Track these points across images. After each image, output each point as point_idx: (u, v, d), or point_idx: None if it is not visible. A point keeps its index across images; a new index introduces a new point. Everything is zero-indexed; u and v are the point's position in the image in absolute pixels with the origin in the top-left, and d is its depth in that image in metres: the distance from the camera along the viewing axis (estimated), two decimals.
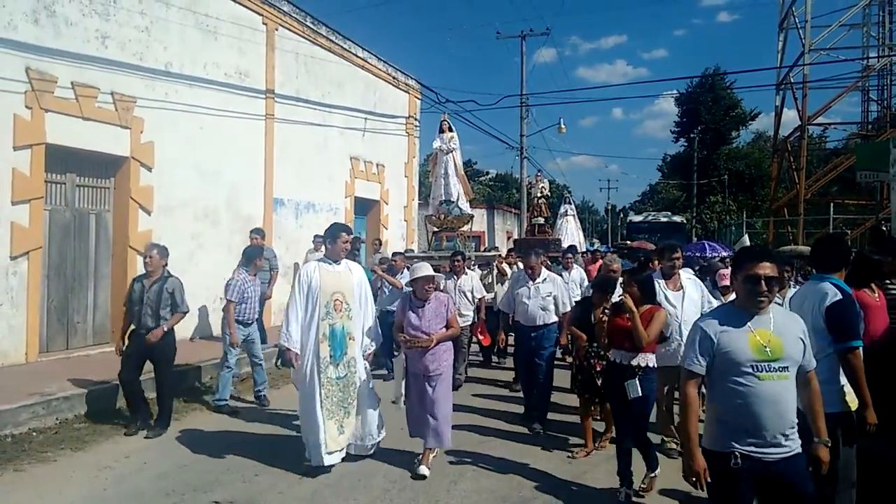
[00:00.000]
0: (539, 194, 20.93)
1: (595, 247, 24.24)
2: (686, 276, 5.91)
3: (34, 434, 6.01)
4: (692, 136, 46.54)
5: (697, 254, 18.24)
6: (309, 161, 13.86)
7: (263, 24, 12.32)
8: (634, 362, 4.79)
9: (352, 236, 5.66)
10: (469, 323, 8.75)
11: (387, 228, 17.40)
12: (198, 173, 10.69)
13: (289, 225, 13.24)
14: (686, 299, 5.72)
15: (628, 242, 24.91)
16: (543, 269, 7.07)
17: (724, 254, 17.64)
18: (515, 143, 26.95)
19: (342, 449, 5.37)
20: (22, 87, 8.01)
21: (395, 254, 10.00)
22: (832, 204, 23.45)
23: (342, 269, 5.48)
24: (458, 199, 12.15)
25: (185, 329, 9.85)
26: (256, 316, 7.72)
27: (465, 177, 12.78)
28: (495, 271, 10.43)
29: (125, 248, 9.40)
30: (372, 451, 5.61)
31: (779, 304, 3.95)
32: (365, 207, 16.88)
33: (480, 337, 9.40)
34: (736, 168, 44.11)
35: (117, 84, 9.17)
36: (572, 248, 16.69)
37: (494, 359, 10.41)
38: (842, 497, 3.62)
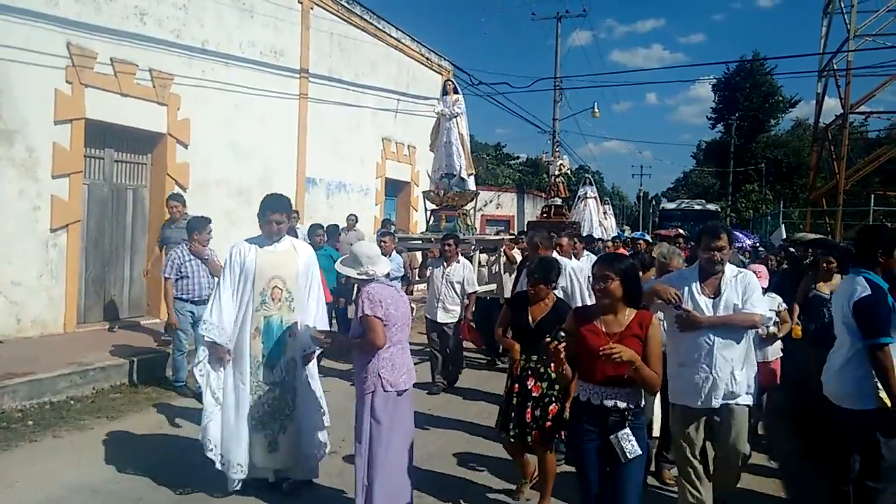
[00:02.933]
0: (557, 172, 19.01)
1: (626, 233, 23.19)
2: (731, 273, 3.88)
3: (72, 402, 6.18)
4: (729, 122, 45.58)
5: None
6: (341, 141, 13.91)
7: (299, 2, 12.34)
8: (622, 403, 3.06)
9: (291, 214, 4.63)
10: (455, 320, 7.46)
11: (416, 210, 17.42)
12: (232, 151, 10.80)
13: (320, 205, 13.33)
14: (723, 306, 3.77)
15: (660, 231, 23.66)
16: (554, 255, 5.63)
17: (748, 242, 16.33)
18: (548, 126, 26.74)
19: (274, 470, 4.43)
20: (63, 63, 8.14)
21: (382, 233, 8.34)
22: (873, 195, 22.82)
23: (284, 249, 4.41)
24: (460, 172, 10.22)
25: None
26: (206, 294, 6.51)
27: (468, 147, 10.78)
28: (503, 258, 9.15)
29: (161, 223, 9.53)
30: (314, 476, 4.54)
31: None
32: (395, 189, 16.90)
33: (467, 338, 7.80)
34: (774, 156, 43.12)
35: (155, 61, 9.28)
36: (590, 237, 16.18)
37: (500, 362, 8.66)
38: (887, 494, 3.61)
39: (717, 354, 3.68)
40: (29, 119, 7.81)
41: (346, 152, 14.11)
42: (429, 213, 10.94)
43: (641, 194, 63.83)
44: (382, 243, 8.06)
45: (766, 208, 37.47)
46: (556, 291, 5.03)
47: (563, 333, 3.01)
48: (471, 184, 10.51)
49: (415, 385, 6.64)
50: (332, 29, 13.34)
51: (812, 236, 14.95)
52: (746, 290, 3.78)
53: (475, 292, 7.69)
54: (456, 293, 7.46)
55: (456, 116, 10.23)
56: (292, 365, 4.37)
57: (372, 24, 14.85)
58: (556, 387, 4.16)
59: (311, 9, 12.66)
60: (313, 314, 4.44)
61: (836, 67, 22.93)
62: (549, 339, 3.00)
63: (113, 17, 8.74)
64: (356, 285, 4.43)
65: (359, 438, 3.82)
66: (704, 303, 3.81)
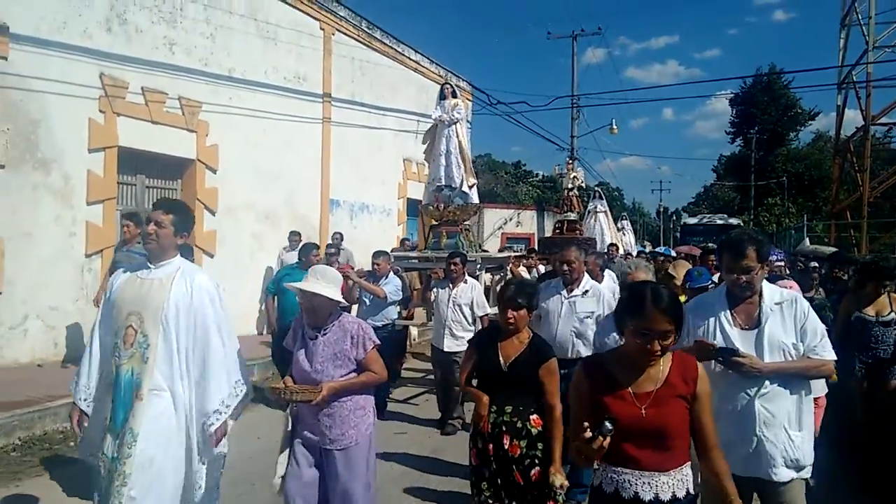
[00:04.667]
0: (570, 185, 17.91)
1: (647, 249, 22.85)
2: (773, 296, 2.94)
3: None
4: (749, 136, 45.42)
5: None
6: (363, 163, 14.11)
7: (321, 29, 12.62)
8: (666, 492, 2.26)
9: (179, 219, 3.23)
10: (464, 349, 6.74)
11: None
12: (258, 175, 11.03)
13: (344, 226, 13.50)
14: (766, 345, 2.86)
15: (681, 248, 22.92)
16: (586, 277, 5.03)
17: (773, 258, 15.87)
18: (566, 143, 26.84)
19: None
20: (96, 93, 8.43)
21: (377, 253, 7.54)
22: None
23: (162, 275, 3.15)
24: (461, 184, 9.12)
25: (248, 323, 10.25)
26: None
27: (469, 157, 9.64)
28: (509, 276, 8.68)
29: (191, 246, 9.75)
30: None
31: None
32: (417, 209, 17.06)
33: None
34: (795, 169, 42.82)
35: (184, 89, 9.55)
36: (612, 245, 15.70)
37: None
38: None
39: (759, 409, 2.81)
40: (65, 148, 8.08)
41: (368, 174, 14.32)
42: (427, 229, 9.85)
43: (661, 209, 63.55)
44: (376, 266, 7.29)
45: (789, 221, 37.14)
46: (587, 325, 4.71)
47: (609, 425, 2.05)
48: (473, 196, 9.38)
49: (425, 423, 6.74)
50: (353, 54, 13.61)
51: (828, 250, 14.45)
52: (801, 322, 2.88)
53: (487, 315, 6.70)
54: (465, 317, 6.63)
55: (455, 123, 9.21)
56: (131, 439, 3.00)
57: (392, 47, 15.12)
58: (539, 445, 3.33)
59: (333, 35, 12.95)
60: (191, 368, 3.14)
61: (855, 79, 22.83)
62: (591, 434, 2.05)
63: (143, 48, 9.04)
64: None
65: (368, 485, 3.44)
66: (738, 336, 2.88)
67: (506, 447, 3.35)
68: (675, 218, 61.87)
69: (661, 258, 12.40)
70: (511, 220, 26.14)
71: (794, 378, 2.86)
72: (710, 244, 17.51)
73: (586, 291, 4.88)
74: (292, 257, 9.32)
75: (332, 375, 3.29)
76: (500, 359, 3.42)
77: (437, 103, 9.39)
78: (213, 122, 9.99)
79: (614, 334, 3.75)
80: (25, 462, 5.39)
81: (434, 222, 9.33)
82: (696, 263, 9.78)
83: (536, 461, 3.32)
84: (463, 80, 18.78)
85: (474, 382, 3.67)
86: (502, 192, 38.05)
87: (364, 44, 14.04)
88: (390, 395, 7.58)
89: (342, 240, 11.17)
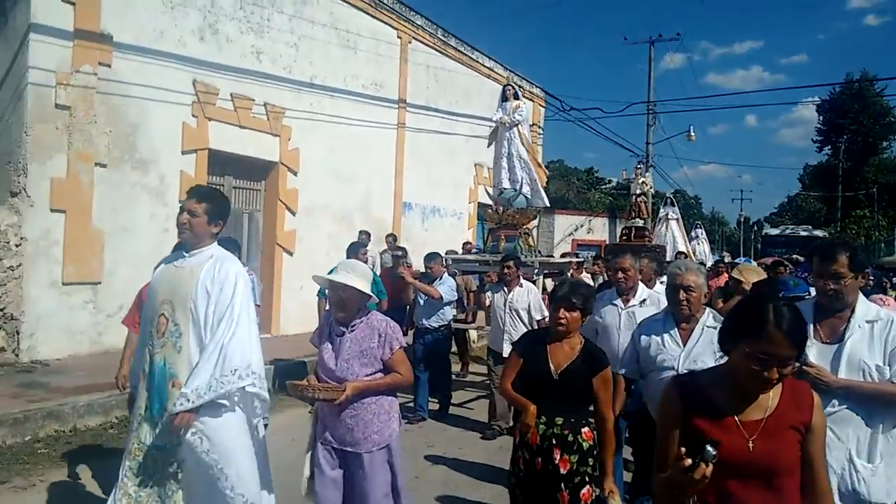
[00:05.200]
0: (639, 191, 17.49)
1: (726, 259, 21.95)
2: (866, 312, 2.73)
3: None
4: (837, 145, 43.38)
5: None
6: (436, 167, 14.39)
7: (398, 37, 13.00)
8: None
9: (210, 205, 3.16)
10: None
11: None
12: (336, 178, 11.46)
13: (416, 228, 13.82)
14: (845, 362, 2.65)
15: (764, 260, 21.49)
16: (642, 286, 4.85)
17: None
18: (640, 150, 26.45)
19: None
20: (189, 99, 9.00)
21: (429, 256, 7.53)
22: None
23: (194, 263, 3.13)
24: (521, 187, 8.98)
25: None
26: None
27: (535, 157, 9.56)
28: None
29: (273, 246, 10.27)
30: None
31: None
32: None
33: None
34: (887, 180, 40.60)
35: (269, 95, 10.06)
36: (681, 253, 15.02)
37: None
38: None
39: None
40: (160, 150, 8.66)
41: (440, 178, 14.58)
42: (486, 232, 9.78)
43: (742, 219, 61.37)
44: (429, 269, 7.33)
45: (878, 235, 35.25)
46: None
47: (712, 449, 1.72)
48: (538, 200, 9.16)
49: (468, 426, 6.74)
50: (428, 61, 13.93)
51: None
52: (894, 345, 2.61)
53: (543, 319, 6.45)
54: (523, 322, 6.46)
55: (517, 125, 9.07)
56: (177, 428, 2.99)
57: (466, 55, 15.37)
58: (590, 461, 3.11)
59: (410, 43, 13.30)
60: (216, 354, 2.98)
61: None
62: (691, 462, 1.72)
63: (233, 56, 9.58)
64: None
65: (388, 494, 3.27)
66: (816, 350, 2.65)
67: (556, 461, 3.09)
68: (756, 228, 59.60)
69: (722, 266, 11.68)
70: (582, 226, 25.93)
71: (872, 403, 2.58)
72: (794, 256, 16.29)
73: (644, 301, 4.67)
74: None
75: (357, 374, 3.16)
76: (551, 365, 3.16)
77: (499, 105, 9.28)
78: (295, 126, 10.47)
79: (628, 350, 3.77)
80: (121, 438, 5.84)
81: (493, 225, 9.23)
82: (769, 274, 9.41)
83: (587, 479, 3.11)
84: (536, 86, 18.85)
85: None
86: (574, 198, 37.73)
87: (439, 51, 14.34)
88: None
89: (395, 241, 11.14)
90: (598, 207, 35.00)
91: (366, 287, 3.20)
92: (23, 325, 7.41)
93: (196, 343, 3.06)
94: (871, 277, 12.43)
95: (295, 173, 10.60)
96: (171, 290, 3.13)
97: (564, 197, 35.96)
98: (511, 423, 6.19)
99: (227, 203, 3.34)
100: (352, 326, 3.23)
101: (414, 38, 13.43)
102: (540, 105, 19.06)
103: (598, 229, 26.17)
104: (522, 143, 9.11)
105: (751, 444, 1.88)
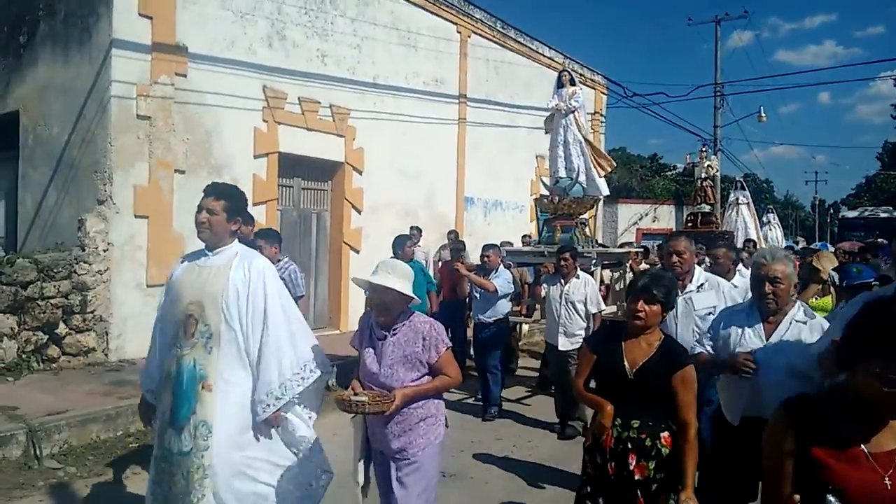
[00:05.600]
0: (704, 175, 16.77)
1: (799, 245, 21.09)
2: None
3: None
4: None
5: None
6: (497, 161, 14.41)
7: (458, 32, 13.05)
8: None
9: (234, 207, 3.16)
10: (574, 348, 6.28)
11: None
12: (400, 175, 11.64)
13: (478, 223, 13.89)
14: None
15: (843, 244, 20.03)
16: (699, 270, 4.56)
17: None
18: (708, 134, 25.68)
19: None
20: (260, 104, 9.31)
21: (486, 246, 7.46)
22: None
23: (220, 262, 3.11)
24: (578, 175, 8.71)
25: None
26: None
27: (596, 146, 9.29)
28: (628, 273, 8.26)
29: (340, 244, 10.55)
30: None
31: None
32: None
33: None
34: None
35: (334, 97, 10.31)
36: (750, 241, 14.32)
37: None
38: None
39: None
40: (234, 154, 9.01)
41: (501, 171, 14.59)
42: (542, 222, 9.39)
43: (817, 202, 58.83)
44: (486, 258, 7.21)
45: None
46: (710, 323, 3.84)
47: (834, 499, 1.55)
48: (597, 188, 8.91)
49: (538, 425, 6.59)
50: (488, 55, 13.93)
51: None
52: None
53: (600, 312, 6.49)
54: (579, 315, 6.37)
55: (574, 111, 8.81)
56: (204, 431, 2.93)
57: (526, 45, 15.28)
58: (670, 469, 2.87)
59: (469, 37, 13.34)
60: (258, 357, 3.02)
61: None
62: None
63: (300, 61, 9.85)
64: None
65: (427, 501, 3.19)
66: None
67: (630, 467, 2.86)
68: (832, 211, 57.05)
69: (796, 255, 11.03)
70: (647, 215, 25.47)
71: None
72: (876, 240, 15.01)
73: (702, 285, 4.36)
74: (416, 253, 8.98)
75: (403, 379, 3.03)
76: (626, 363, 2.93)
77: (555, 91, 9.02)
78: (359, 126, 10.70)
79: (704, 343, 3.42)
80: None
81: (548, 215, 8.92)
82: (850, 259, 8.92)
83: (664, 486, 2.86)
84: (597, 73, 18.57)
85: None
86: (637, 186, 36.95)
87: (499, 44, 14.32)
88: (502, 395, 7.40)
89: (457, 237, 11.02)
90: (664, 195, 34.20)
91: (407, 288, 3.05)
92: (111, 326, 7.86)
93: (226, 344, 3.01)
94: None
95: (360, 172, 10.84)
96: (199, 291, 3.07)
97: (628, 185, 35.25)
98: (584, 418, 6.03)
99: (245, 199, 3.28)
100: (393, 330, 3.09)
101: (473, 32, 13.46)
102: (602, 93, 18.77)
103: (665, 217, 25.63)
104: (579, 131, 8.84)
105: (888, 481, 1.59)
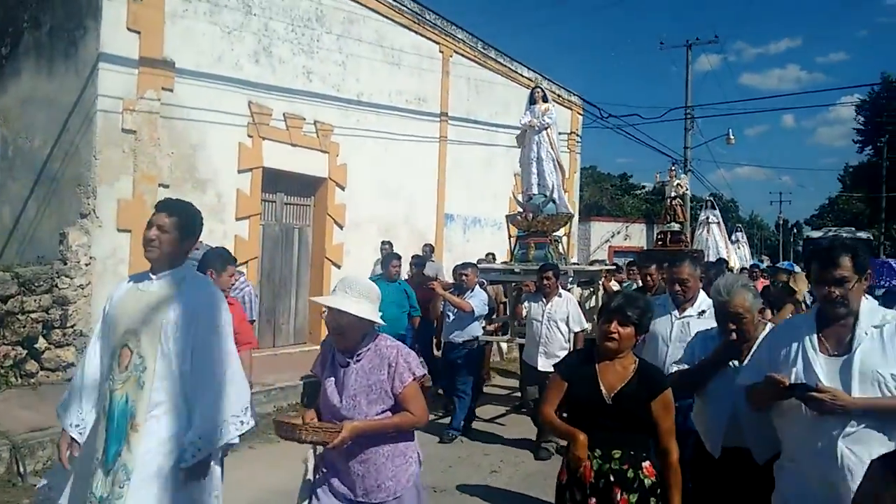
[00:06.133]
0: (674, 193, 17.02)
1: (764, 264, 21.62)
2: (872, 317, 2.54)
3: (259, 418, 7.02)
4: (879, 144, 42.42)
5: (884, 280, 11.97)
6: (476, 178, 14.58)
7: (440, 51, 13.24)
8: None
9: (185, 222, 2.86)
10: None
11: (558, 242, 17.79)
12: (381, 192, 11.73)
13: (457, 239, 14.02)
14: (857, 375, 2.47)
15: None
16: (702, 294, 4.35)
17: None
18: (678, 155, 26.24)
19: None
20: (245, 120, 9.33)
21: (464, 265, 7.25)
22: None
23: (164, 288, 2.81)
24: (551, 192, 8.64)
25: None
26: None
27: (562, 164, 9.31)
28: (600, 291, 8.24)
29: (322, 259, 10.58)
30: None
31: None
32: None
33: None
34: None
35: (319, 113, 10.37)
36: (722, 261, 14.72)
37: None
38: None
39: (842, 451, 2.37)
40: (218, 169, 9.01)
41: (480, 188, 14.77)
42: (514, 240, 9.16)
43: (781, 222, 60.31)
44: (464, 276, 6.97)
45: None
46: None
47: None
48: (566, 206, 8.91)
49: (513, 444, 6.52)
50: (469, 74, 14.14)
51: None
52: None
53: (584, 331, 6.38)
54: (561, 334, 6.28)
55: (546, 128, 8.73)
56: (123, 478, 2.61)
57: (506, 66, 15.54)
58: (653, 501, 2.71)
59: (451, 56, 13.54)
60: (202, 403, 2.72)
61: None
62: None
63: (285, 77, 9.91)
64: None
65: None
66: (823, 364, 2.48)
67: (616, 502, 2.68)
68: (795, 231, 58.50)
69: (759, 271, 11.31)
70: (619, 233, 25.89)
71: (893, 418, 2.37)
72: None
73: (703, 312, 4.11)
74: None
75: (366, 413, 2.69)
76: (602, 388, 2.75)
77: (527, 108, 8.93)
78: (342, 143, 10.76)
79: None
80: None
81: (521, 232, 8.81)
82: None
83: None
84: (574, 94, 18.92)
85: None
86: (607, 204, 37.55)
87: (480, 63, 14.55)
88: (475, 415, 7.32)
89: (432, 252, 10.95)
90: (633, 213, 34.83)
91: (367, 310, 2.71)
92: (91, 341, 7.75)
93: (161, 380, 2.71)
94: None
95: (343, 188, 10.89)
96: (137, 319, 2.75)
97: (598, 203, 35.80)
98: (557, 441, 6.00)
99: (200, 217, 2.96)
100: (357, 355, 2.76)
101: (455, 51, 13.66)
102: (578, 113, 19.12)
103: (636, 235, 26.07)
104: (552, 148, 8.83)
105: None
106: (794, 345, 2.57)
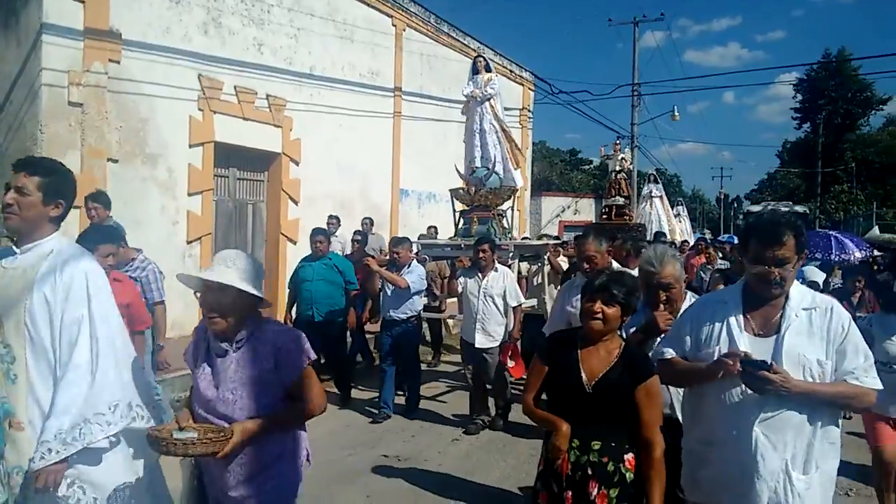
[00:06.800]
0: (618, 168, 17.02)
1: (707, 236, 22.22)
2: (801, 300, 2.46)
3: None
4: (816, 121, 44.09)
5: (819, 253, 11.69)
6: (430, 154, 14.63)
7: (393, 25, 13.18)
8: None
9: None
10: (498, 344, 6.11)
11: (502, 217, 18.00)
12: (336, 167, 11.69)
13: (413, 214, 14.10)
14: (784, 358, 2.36)
15: None
16: (615, 266, 4.34)
17: (858, 254, 12.09)
18: (625, 131, 26.77)
19: None
20: (195, 94, 9.15)
21: (396, 241, 7.04)
22: None
23: (27, 262, 2.43)
24: (494, 165, 8.30)
25: None
26: None
27: (510, 134, 8.90)
28: (546, 267, 7.90)
29: (277, 235, 10.53)
30: None
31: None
32: None
33: (510, 365, 6.20)
34: (865, 155, 41.45)
35: (271, 87, 10.24)
36: (660, 234, 15.24)
37: None
38: None
39: (757, 436, 2.31)
40: (169, 143, 8.84)
41: (434, 164, 14.80)
42: (457, 214, 8.77)
43: (722, 197, 62.24)
44: (396, 254, 6.73)
45: (857, 210, 36.09)
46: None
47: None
48: (513, 179, 8.56)
49: (450, 420, 6.47)
50: (422, 49, 14.12)
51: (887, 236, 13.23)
52: (838, 338, 2.34)
53: (520, 306, 6.22)
54: (498, 309, 6.09)
55: (489, 98, 8.37)
56: (21, 481, 2.32)
57: (458, 40, 15.56)
58: (634, 497, 2.56)
59: (404, 31, 13.48)
60: (63, 394, 2.33)
61: None
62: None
63: (235, 49, 9.73)
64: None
65: None
66: (748, 344, 2.38)
67: (592, 497, 2.51)
68: (735, 206, 60.47)
69: (703, 245, 11.72)
70: (569, 207, 26.33)
71: (813, 405, 2.31)
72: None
73: None
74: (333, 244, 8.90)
75: (249, 408, 2.33)
76: (583, 375, 2.57)
77: (470, 78, 8.59)
78: (296, 118, 10.67)
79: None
80: None
81: (465, 207, 8.46)
82: None
83: None
84: (525, 69, 19.08)
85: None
86: (557, 179, 38.12)
87: (432, 38, 14.53)
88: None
89: (372, 225, 10.75)
90: (582, 188, 35.45)
91: (251, 286, 2.33)
92: None
93: (38, 370, 2.34)
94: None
95: (297, 163, 10.82)
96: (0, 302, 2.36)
97: (548, 178, 36.30)
98: (494, 414, 6.17)
99: (71, 177, 2.58)
100: (237, 342, 2.38)
101: (408, 25, 13.61)
102: (529, 89, 19.30)
103: (585, 210, 26.56)
104: (496, 119, 8.46)
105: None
106: (718, 323, 2.46)
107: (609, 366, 2.58)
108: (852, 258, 11.46)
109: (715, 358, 2.39)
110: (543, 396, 2.75)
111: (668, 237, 16.65)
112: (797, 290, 2.44)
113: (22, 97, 7.58)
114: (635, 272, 4.95)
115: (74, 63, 7.72)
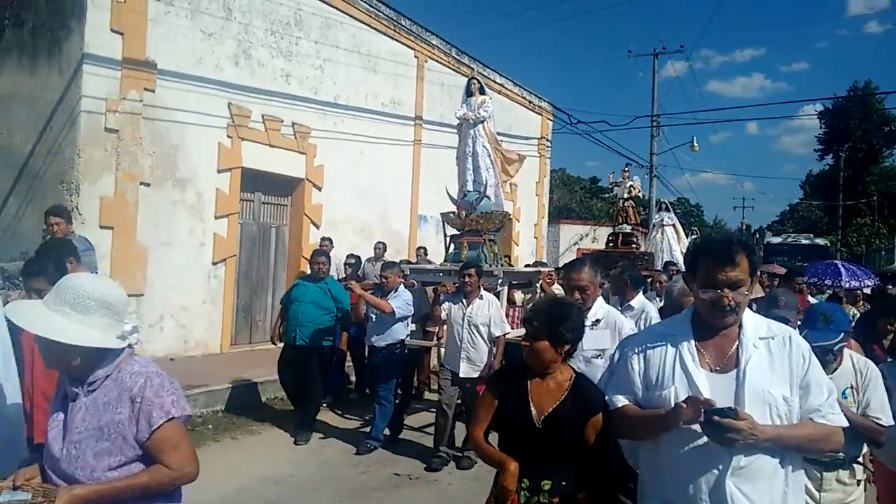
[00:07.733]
0: (626, 195, 16.55)
1: None
2: (759, 329, 2.17)
3: (240, 410, 7.27)
4: (839, 153, 43.91)
5: (827, 279, 11.04)
6: (449, 180, 14.87)
7: (415, 57, 13.58)
8: None
9: None
10: (476, 375, 5.73)
11: (517, 245, 18.21)
12: (357, 192, 12.02)
13: (431, 239, 14.33)
14: (747, 396, 2.04)
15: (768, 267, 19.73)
16: (600, 300, 3.79)
17: (869, 283, 11.68)
18: (645, 160, 26.93)
19: None
20: (224, 122, 9.55)
21: (385, 265, 6.86)
22: None
23: None
24: (486, 189, 8.06)
25: None
26: None
27: (504, 156, 8.68)
28: (539, 294, 7.70)
29: (298, 258, 10.82)
30: None
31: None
32: None
33: None
34: (888, 189, 41.16)
35: (297, 115, 10.63)
36: (670, 263, 14.61)
37: None
38: None
39: (731, 491, 1.97)
40: (198, 169, 9.22)
41: (453, 191, 15.08)
42: (448, 239, 8.55)
43: (743, 227, 61.84)
44: (384, 279, 6.49)
45: (879, 243, 35.76)
46: (595, 367, 3.36)
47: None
48: (504, 203, 8.44)
49: (415, 456, 6.01)
50: (442, 80, 14.50)
51: None
52: (800, 369, 2.06)
53: (504, 335, 5.87)
54: (483, 339, 5.78)
55: (483, 121, 8.18)
56: None
57: (478, 71, 15.91)
58: None
59: (426, 62, 13.89)
60: None
61: None
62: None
63: (264, 79, 10.15)
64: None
65: None
66: (706, 382, 2.06)
67: None
68: (757, 236, 59.93)
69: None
70: (587, 235, 26.41)
71: (791, 450, 2.03)
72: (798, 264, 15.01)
73: (597, 321, 3.63)
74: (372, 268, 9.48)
75: (92, 467, 1.89)
76: (532, 409, 2.43)
77: (463, 100, 8.40)
78: (320, 145, 11.04)
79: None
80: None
81: (455, 231, 8.27)
82: (778, 284, 8.90)
83: None
84: (544, 100, 19.41)
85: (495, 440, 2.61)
86: (577, 207, 38.27)
87: (453, 69, 14.92)
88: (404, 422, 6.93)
89: (384, 251, 10.36)
90: (602, 216, 35.53)
91: (81, 332, 1.89)
92: None
93: None
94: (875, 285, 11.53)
95: (319, 189, 11.16)
96: None
97: (567, 206, 36.49)
98: (459, 448, 5.85)
99: None
100: (89, 384, 1.96)
101: (429, 57, 14.02)
102: (548, 119, 19.63)
103: (603, 238, 26.44)
104: (489, 143, 8.24)
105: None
106: (669, 358, 2.13)
107: (559, 400, 2.44)
108: (862, 285, 10.63)
109: (671, 401, 2.06)
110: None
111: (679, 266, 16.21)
112: (751, 318, 2.15)
113: (62, 123, 8.01)
114: (635, 302, 5.10)
115: (112, 91, 8.14)
